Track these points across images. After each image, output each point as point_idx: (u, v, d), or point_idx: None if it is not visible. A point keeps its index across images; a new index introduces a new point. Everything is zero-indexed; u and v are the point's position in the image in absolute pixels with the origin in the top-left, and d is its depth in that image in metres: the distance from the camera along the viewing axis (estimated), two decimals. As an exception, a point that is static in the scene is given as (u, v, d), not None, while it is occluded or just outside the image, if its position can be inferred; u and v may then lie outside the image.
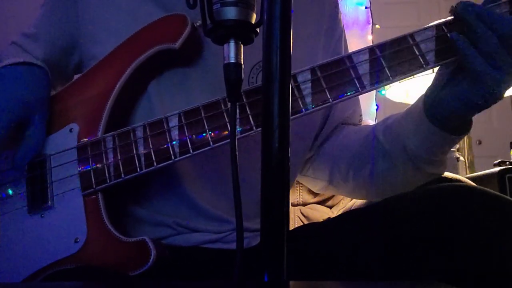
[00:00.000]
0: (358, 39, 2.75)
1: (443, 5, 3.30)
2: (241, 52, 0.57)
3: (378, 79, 0.71)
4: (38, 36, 0.89)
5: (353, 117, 0.97)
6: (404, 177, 0.80)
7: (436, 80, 0.74)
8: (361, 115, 0.99)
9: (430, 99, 0.73)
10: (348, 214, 0.82)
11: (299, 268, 0.64)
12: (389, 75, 0.70)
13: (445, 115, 0.71)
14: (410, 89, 2.00)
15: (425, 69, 0.70)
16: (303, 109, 0.71)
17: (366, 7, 2.81)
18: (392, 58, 0.71)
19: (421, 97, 0.76)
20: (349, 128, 0.95)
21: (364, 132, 0.87)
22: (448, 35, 0.69)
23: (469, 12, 0.67)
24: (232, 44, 0.57)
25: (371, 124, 1.00)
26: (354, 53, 0.72)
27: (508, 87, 0.67)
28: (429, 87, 0.75)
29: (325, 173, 0.92)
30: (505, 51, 0.65)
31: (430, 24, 0.73)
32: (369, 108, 2.69)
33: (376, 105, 2.71)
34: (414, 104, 0.78)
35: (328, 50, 0.93)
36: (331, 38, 0.94)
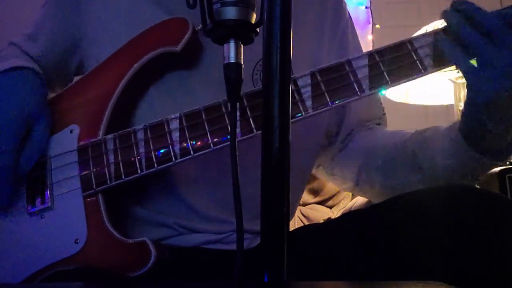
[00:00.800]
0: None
1: (443, 5, 3.28)
2: (241, 52, 0.57)
3: (377, 83, 0.71)
4: (39, 36, 0.88)
5: (372, 112, 0.95)
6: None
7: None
8: (382, 107, 0.97)
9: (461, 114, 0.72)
10: (349, 215, 0.82)
11: (299, 268, 0.64)
12: (388, 79, 0.71)
13: (470, 127, 0.70)
14: (410, 89, 2.00)
15: (424, 74, 0.71)
16: (303, 113, 0.71)
17: (366, 7, 2.81)
18: (391, 63, 0.72)
19: None
20: (381, 129, 0.94)
21: (399, 139, 0.85)
22: (435, 37, 0.71)
23: (453, 16, 0.68)
24: (232, 44, 0.57)
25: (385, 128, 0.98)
26: (353, 58, 0.73)
27: (498, 84, 0.65)
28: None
29: (353, 173, 0.90)
30: (492, 46, 0.65)
31: (429, 31, 0.74)
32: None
33: (376, 105, 2.71)
34: (456, 121, 0.76)
35: (333, 45, 0.92)
36: (336, 31, 0.93)
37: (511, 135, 0.70)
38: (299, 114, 0.71)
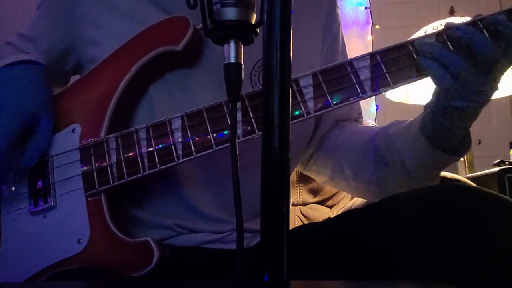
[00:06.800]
0: (357, 39, 2.75)
1: (442, 5, 3.30)
2: (241, 52, 0.58)
3: (379, 85, 0.71)
4: (35, 38, 0.88)
5: (350, 113, 0.98)
6: (400, 185, 0.82)
7: (432, 94, 0.75)
8: (360, 110, 1.00)
9: (424, 114, 0.75)
10: (347, 214, 0.82)
11: (299, 268, 0.64)
12: (390, 81, 0.71)
13: (435, 130, 0.73)
14: (410, 89, 2.01)
15: (426, 76, 0.71)
16: (305, 113, 0.71)
17: (365, 8, 2.81)
18: (393, 64, 0.72)
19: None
20: (353, 126, 0.96)
21: (367, 135, 0.88)
22: (415, 57, 0.71)
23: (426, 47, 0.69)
24: (232, 44, 0.57)
25: (370, 124, 1.00)
26: (355, 59, 0.73)
27: (485, 99, 0.69)
28: (427, 102, 0.76)
29: (328, 169, 0.93)
30: (476, 73, 0.67)
31: (430, 32, 0.74)
32: (368, 108, 2.69)
33: (376, 105, 2.72)
34: (416, 118, 0.79)
35: (323, 47, 0.93)
36: (327, 34, 0.95)
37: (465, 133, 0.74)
38: (303, 114, 0.71)
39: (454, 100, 0.68)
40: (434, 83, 0.70)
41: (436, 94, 0.71)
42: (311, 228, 0.83)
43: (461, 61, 0.66)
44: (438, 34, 0.72)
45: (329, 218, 0.84)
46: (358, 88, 0.71)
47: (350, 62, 0.73)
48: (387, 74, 0.71)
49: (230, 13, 0.56)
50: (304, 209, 1.42)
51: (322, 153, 0.94)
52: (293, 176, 1.40)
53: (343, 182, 0.92)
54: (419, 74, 0.71)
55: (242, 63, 0.58)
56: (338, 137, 0.93)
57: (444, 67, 0.67)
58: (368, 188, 0.87)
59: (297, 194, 1.42)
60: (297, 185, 1.42)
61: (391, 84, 0.71)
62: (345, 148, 0.91)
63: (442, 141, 0.73)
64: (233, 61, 0.57)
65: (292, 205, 1.40)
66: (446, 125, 0.71)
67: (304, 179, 1.42)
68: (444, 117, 0.70)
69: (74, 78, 0.91)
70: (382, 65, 0.71)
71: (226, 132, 0.71)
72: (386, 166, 0.83)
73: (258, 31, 0.59)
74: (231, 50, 0.57)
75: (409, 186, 0.79)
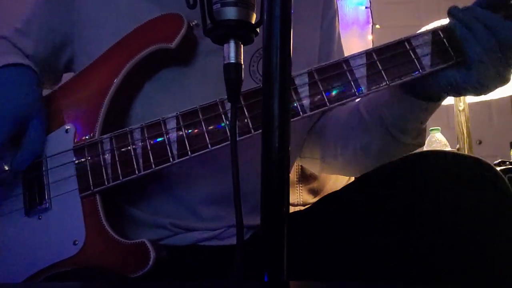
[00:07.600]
0: (358, 39, 2.75)
1: (443, 5, 3.30)
2: (241, 52, 0.58)
3: (375, 83, 0.71)
4: (29, 31, 0.87)
5: None
6: (384, 149, 0.83)
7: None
8: None
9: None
10: (348, 215, 0.82)
11: (299, 268, 0.64)
12: (385, 79, 0.71)
13: (425, 94, 0.74)
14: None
15: (421, 74, 0.71)
16: (301, 112, 0.71)
17: (366, 7, 2.81)
18: (389, 62, 0.72)
19: None
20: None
21: (349, 107, 0.89)
22: (449, 19, 0.71)
23: (465, 14, 0.69)
24: (232, 44, 0.57)
25: None
26: (351, 57, 0.73)
27: (499, 84, 0.70)
28: None
29: (318, 150, 0.94)
30: (499, 52, 0.67)
31: (427, 29, 0.74)
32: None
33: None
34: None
35: (322, 36, 0.94)
36: (324, 23, 0.95)
37: None
38: (298, 113, 0.71)
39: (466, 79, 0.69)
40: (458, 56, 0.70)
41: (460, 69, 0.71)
42: (309, 227, 0.83)
43: (491, 39, 0.67)
44: (434, 31, 0.73)
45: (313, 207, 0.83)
46: (353, 86, 0.71)
47: (346, 60, 0.73)
48: (382, 72, 0.71)
49: (230, 12, 0.56)
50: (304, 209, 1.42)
51: (313, 136, 0.95)
52: (293, 176, 1.40)
53: (332, 161, 0.92)
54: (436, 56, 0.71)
55: (242, 63, 0.58)
56: (324, 118, 0.94)
57: (475, 39, 0.68)
58: (355, 160, 0.87)
59: (297, 194, 1.42)
60: (297, 185, 1.42)
61: (387, 82, 0.71)
62: (331, 124, 0.92)
63: (417, 91, 0.75)
64: (233, 61, 0.57)
65: (292, 205, 1.40)
66: (432, 88, 0.72)
67: (304, 179, 1.42)
68: (437, 83, 0.72)
69: (67, 77, 0.90)
70: (378, 62, 0.71)
71: (221, 131, 0.71)
72: (367, 130, 0.83)
73: (258, 30, 0.59)
74: (231, 50, 0.57)
75: (394, 149, 0.81)
